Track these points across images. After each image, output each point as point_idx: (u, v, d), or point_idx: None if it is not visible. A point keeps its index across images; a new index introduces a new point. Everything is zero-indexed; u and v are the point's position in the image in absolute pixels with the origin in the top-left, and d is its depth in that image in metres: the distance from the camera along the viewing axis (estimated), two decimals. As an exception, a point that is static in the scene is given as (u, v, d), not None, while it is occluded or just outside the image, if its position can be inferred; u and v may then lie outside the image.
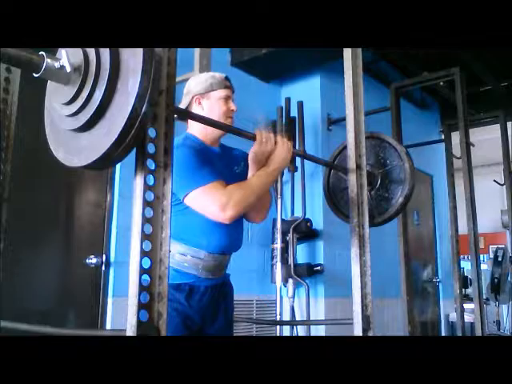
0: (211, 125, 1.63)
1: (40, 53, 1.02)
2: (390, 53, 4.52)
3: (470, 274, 3.96)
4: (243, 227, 1.82)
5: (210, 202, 1.56)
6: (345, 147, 2.13)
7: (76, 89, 1.03)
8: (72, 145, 1.09)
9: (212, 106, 1.75)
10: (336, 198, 2.19)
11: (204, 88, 1.77)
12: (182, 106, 1.80)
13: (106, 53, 1.02)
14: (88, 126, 1.03)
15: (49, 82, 1.15)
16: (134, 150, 1.03)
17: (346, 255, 1.85)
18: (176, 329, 1.59)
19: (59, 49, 1.06)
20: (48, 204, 2.82)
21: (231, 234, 1.73)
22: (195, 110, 1.78)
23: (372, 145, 2.14)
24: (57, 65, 1.02)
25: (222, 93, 1.77)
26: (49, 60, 1.02)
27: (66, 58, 1.03)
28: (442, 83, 4.79)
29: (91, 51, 1.03)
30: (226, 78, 1.82)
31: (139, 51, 0.98)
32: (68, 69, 1.03)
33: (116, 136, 0.97)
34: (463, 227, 3.90)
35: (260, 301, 3.82)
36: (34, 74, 1.03)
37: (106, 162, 1.03)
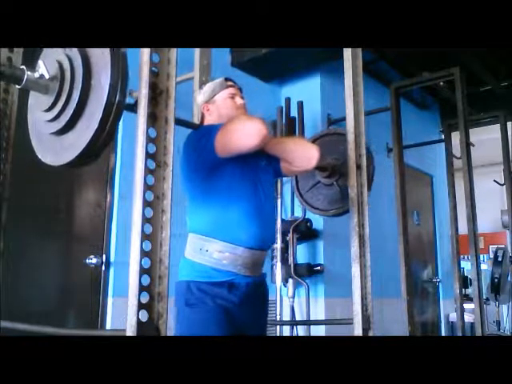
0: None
1: (21, 67, 1.17)
2: (390, 53, 4.52)
3: (470, 274, 3.96)
4: (275, 220, 1.83)
5: (238, 124, 1.60)
6: (317, 139, 2.35)
7: (55, 94, 1.15)
8: (58, 146, 1.19)
9: (219, 108, 1.82)
10: (306, 195, 2.34)
11: (208, 95, 1.85)
12: (199, 121, 1.89)
13: (78, 59, 1.13)
14: (70, 125, 1.14)
15: (29, 99, 1.30)
16: (134, 150, 1.04)
17: (346, 255, 1.85)
18: (220, 324, 1.59)
19: (38, 61, 1.19)
20: (48, 204, 2.82)
21: (267, 225, 1.74)
22: (207, 118, 1.85)
23: (333, 140, 2.28)
24: (36, 75, 1.16)
25: (225, 93, 1.83)
26: (29, 72, 1.16)
27: (44, 67, 1.17)
28: (442, 83, 4.79)
29: (65, 60, 1.15)
30: (227, 79, 1.88)
31: (106, 51, 1.09)
32: (46, 76, 1.16)
33: (97, 125, 1.07)
34: (463, 227, 3.89)
35: (260, 301, 3.81)
36: (17, 86, 1.17)
37: (92, 151, 1.13)
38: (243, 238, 1.66)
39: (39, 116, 1.22)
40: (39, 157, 1.28)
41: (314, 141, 2.31)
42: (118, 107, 1.08)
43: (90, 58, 1.13)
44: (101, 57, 1.10)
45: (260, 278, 1.77)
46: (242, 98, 1.87)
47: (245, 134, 1.56)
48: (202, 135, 1.69)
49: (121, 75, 1.08)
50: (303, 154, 1.78)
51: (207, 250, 1.63)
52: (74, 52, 1.14)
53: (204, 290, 1.61)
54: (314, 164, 1.79)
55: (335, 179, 2.17)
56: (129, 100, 3.41)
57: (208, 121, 1.84)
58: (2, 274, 1.47)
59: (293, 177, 2.36)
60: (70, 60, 1.14)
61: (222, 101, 1.82)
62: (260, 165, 1.77)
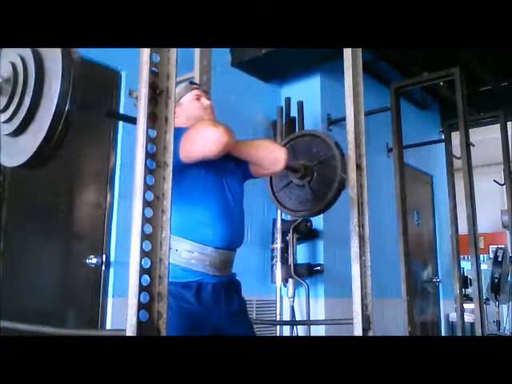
0: None
1: None
2: (389, 53, 4.52)
3: (470, 274, 3.96)
4: (244, 221, 1.84)
5: (200, 130, 1.60)
6: (290, 140, 2.34)
7: (8, 96, 1.17)
8: (12, 148, 1.23)
9: (186, 110, 1.84)
10: (279, 194, 2.34)
11: None
12: None
13: (31, 62, 1.15)
14: (22, 128, 1.17)
15: None
16: (134, 150, 1.04)
17: (346, 255, 1.85)
18: (180, 327, 1.58)
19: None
20: (48, 204, 2.82)
21: (235, 226, 1.76)
22: (175, 121, 1.85)
23: (306, 141, 2.29)
24: None
25: (190, 95, 1.87)
26: None
27: None
28: (441, 83, 4.79)
29: (19, 63, 1.17)
30: (191, 82, 1.95)
31: (59, 57, 1.10)
32: None
33: (45, 133, 1.10)
34: (463, 227, 3.89)
35: (260, 301, 3.82)
36: None
37: (41, 156, 1.16)
38: (211, 238, 1.69)
39: None
40: None
41: (286, 143, 2.31)
42: (67, 116, 1.10)
43: (44, 62, 1.14)
44: (54, 62, 1.11)
45: (228, 277, 1.78)
46: (209, 99, 1.90)
47: (206, 142, 1.57)
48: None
49: (72, 84, 1.09)
50: (270, 157, 1.79)
51: (177, 249, 1.65)
52: (29, 54, 1.15)
53: (171, 293, 1.62)
54: (281, 166, 1.80)
55: (307, 180, 2.19)
56: (129, 100, 3.39)
57: (176, 124, 1.86)
58: (2, 274, 1.47)
59: (267, 178, 2.37)
60: (24, 63, 1.16)
61: (189, 103, 1.86)
62: (227, 167, 1.80)
